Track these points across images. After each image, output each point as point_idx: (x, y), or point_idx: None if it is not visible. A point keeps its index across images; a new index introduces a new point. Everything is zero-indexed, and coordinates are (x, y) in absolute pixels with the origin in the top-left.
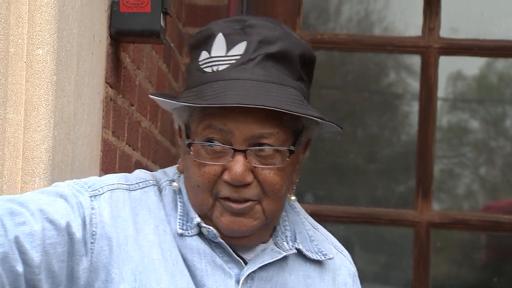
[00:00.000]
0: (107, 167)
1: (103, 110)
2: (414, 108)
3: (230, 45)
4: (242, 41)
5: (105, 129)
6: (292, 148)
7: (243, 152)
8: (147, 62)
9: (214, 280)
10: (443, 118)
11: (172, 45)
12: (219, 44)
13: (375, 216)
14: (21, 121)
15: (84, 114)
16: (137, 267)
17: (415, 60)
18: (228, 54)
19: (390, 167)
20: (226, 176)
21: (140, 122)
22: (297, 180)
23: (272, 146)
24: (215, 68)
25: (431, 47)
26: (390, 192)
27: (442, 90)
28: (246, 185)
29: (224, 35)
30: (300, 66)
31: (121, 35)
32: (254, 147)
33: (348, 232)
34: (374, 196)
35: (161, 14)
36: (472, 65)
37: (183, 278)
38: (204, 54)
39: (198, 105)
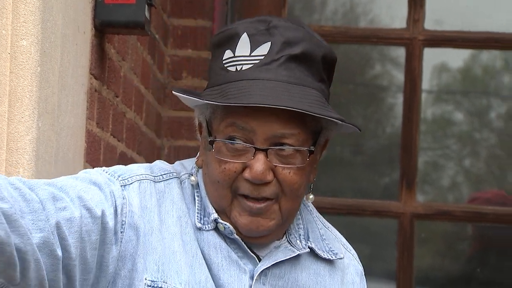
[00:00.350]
0: (91, 158)
1: (87, 101)
2: (399, 100)
3: (254, 46)
4: (266, 41)
5: (90, 120)
6: (312, 148)
7: (265, 151)
8: (132, 53)
9: (229, 274)
10: (428, 110)
11: (157, 36)
12: (243, 44)
13: (359, 208)
14: (5, 112)
15: (68, 105)
16: (160, 258)
17: (400, 52)
18: (252, 54)
19: (374, 159)
20: (246, 174)
21: (125, 114)
22: (314, 179)
23: (293, 146)
24: (239, 68)
25: (415, 39)
26: (375, 184)
27: (427, 82)
28: (266, 183)
29: (248, 35)
30: (322, 67)
31: (105, 27)
32: (275, 147)
33: (332, 224)
34: (359, 187)
35: (146, 5)
36: (456, 57)
37: (202, 271)
38: (228, 53)
39: (223, 104)
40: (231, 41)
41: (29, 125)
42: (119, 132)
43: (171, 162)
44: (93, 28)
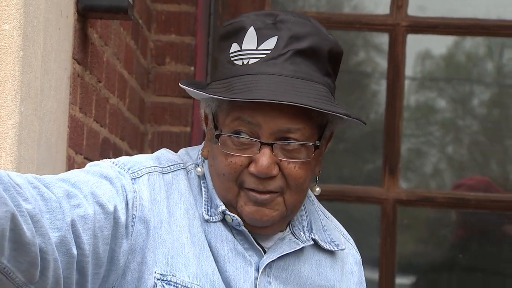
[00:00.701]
0: (74, 143)
1: (70, 86)
2: (382, 87)
3: (261, 39)
4: (273, 36)
5: (72, 105)
6: (317, 143)
7: (270, 145)
8: (115, 38)
9: (235, 267)
10: (411, 96)
11: (140, 21)
12: (250, 37)
13: (342, 194)
14: None
15: (51, 90)
16: (169, 251)
17: (384, 39)
18: (259, 48)
19: (357, 145)
20: (252, 168)
21: (108, 99)
22: (320, 172)
23: (299, 141)
24: (245, 61)
25: (398, 25)
26: (358, 170)
27: (410, 68)
28: (271, 177)
29: (255, 29)
30: (328, 61)
31: (88, 11)
32: (281, 141)
33: None
34: (342, 173)
35: None
36: (439, 44)
37: (209, 264)
38: (234, 47)
39: (229, 99)
40: (238, 34)
41: (12, 110)
42: (102, 118)
43: (154, 147)
44: (76, 13)
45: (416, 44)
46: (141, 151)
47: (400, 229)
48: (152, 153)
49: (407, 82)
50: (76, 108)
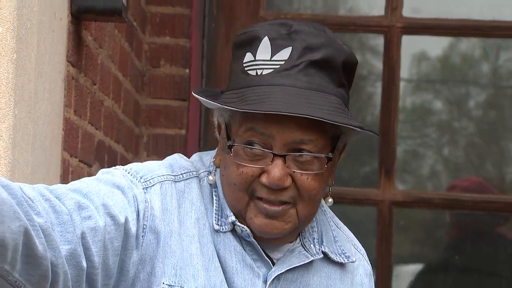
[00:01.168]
0: (68, 146)
1: (64, 89)
2: (378, 89)
3: (275, 50)
4: (287, 46)
5: (67, 108)
6: (330, 155)
7: (283, 157)
8: (109, 40)
9: (243, 278)
10: (406, 98)
11: (134, 23)
12: (264, 47)
13: (338, 195)
14: None
15: (45, 92)
16: (178, 262)
17: (379, 41)
18: (273, 58)
19: (353, 147)
20: (264, 179)
21: (103, 101)
22: (333, 183)
23: (311, 152)
24: (259, 72)
25: (393, 27)
26: (354, 172)
27: (406, 70)
28: (283, 188)
29: (269, 39)
30: (342, 72)
31: (82, 13)
32: (294, 153)
33: None
34: (338, 175)
35: None
36: (435, 45)
37: (217, 275)
38: (248, 56)
39: (243, 110)
40: (252, 44)
41: (5, 113)
42: (97, 120)
43: (150, 150)
44: (70, 15)
45: (411, 46)
46: (136, 154)
47: (396, 231)
48: (147, 155)
49: (402, 84)
50: (71, 110)
